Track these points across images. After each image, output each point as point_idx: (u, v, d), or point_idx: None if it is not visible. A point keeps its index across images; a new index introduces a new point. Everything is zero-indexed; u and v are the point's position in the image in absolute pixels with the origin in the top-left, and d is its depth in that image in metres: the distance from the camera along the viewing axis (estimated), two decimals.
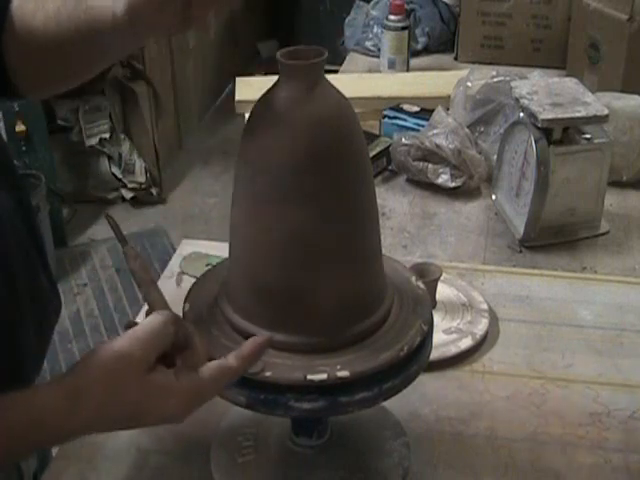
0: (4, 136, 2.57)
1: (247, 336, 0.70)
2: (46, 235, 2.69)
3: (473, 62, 1.94)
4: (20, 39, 0.81)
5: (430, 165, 1.38)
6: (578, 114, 1.19)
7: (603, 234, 1.27)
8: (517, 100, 1.24)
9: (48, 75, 0.85)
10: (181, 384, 0.65)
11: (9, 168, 0.85)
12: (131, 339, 0.65)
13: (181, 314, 0.73)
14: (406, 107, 1.54)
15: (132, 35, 0.79)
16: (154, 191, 3.21)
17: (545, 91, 1.24)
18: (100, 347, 0.65)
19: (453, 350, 0.96)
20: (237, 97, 1.70)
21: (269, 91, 0.68)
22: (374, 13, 2.06)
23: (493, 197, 1.35)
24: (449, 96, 1.54)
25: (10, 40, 0.81)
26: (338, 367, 0.67)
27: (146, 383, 0.64)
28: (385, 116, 1.53)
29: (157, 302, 0.70)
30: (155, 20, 0.74)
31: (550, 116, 1.18)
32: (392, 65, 1.89)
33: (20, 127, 2.66)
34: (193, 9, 0.73)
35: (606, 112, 1.19)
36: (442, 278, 1.01)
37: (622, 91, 1.48)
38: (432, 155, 1.38)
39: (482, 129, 1.45)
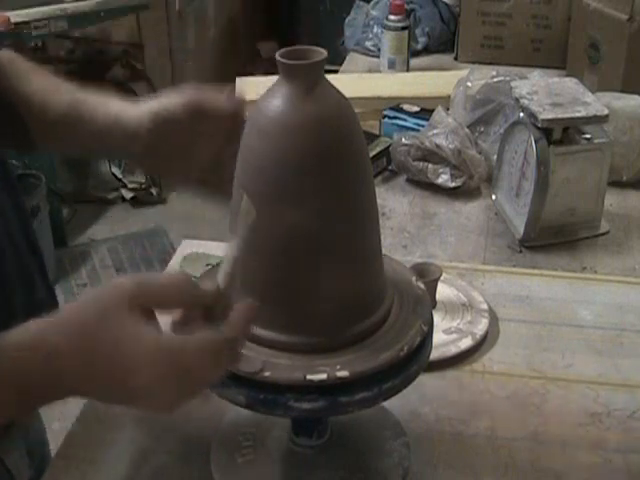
0: None
1: (248, 336, 0.70)
2: (46, 235, 2.69)
3: (473, 62, 1.94)
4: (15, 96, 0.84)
5: (430, 165, 1.38)
6: (578, 114, 1.19)
7: (603, 234, 1.27)
8: (517, 100, 1.24)
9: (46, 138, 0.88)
10: (157, 340, 0.59)
11: (6, 170, 0.85)
12: (128, 279, 0.61)
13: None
14: (406, 107, 1.54)
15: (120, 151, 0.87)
16: (154, 191, 3.22)
17: (545, 91, 1.24)
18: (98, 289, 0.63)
19: (453, 350, 0.96)
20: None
21: (269, 91, 0.68)
22: (374, 13, 2.06)
23: (493, 197, 1.35)
24: (449, 96, 1.54)
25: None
26: (338, 367, 0.67)
27: (125, 318, 0.59)
28: (385, 116, 1.53)
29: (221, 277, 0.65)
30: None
31: (550, 116, 1.18)
32: (392, 65, 1.89)
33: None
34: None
35: (606, 112, 1.19)
36: (442, 278, 1.01)
37: (622, 91, 1.48)
38: (432, 155, 1.38)
39: (482, 129, 1.45)
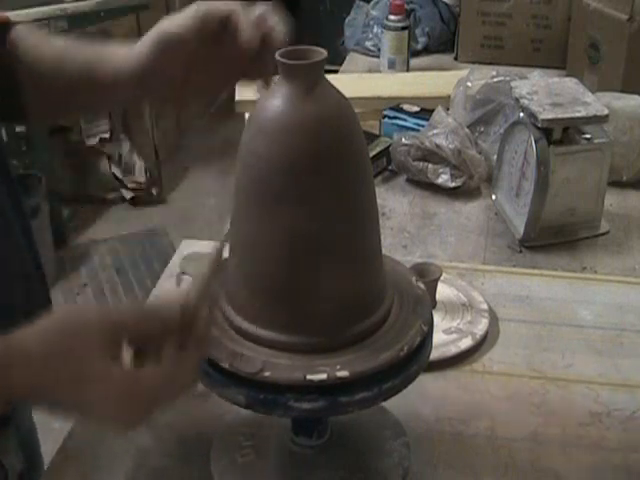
0: (4, 136, 2.57)
1: (248, 336, 0.70)
2: (46, 235, 2.69)
3: (473, 62, 1.94)
4: (27, 68, 0.83)
5: (430, 165, 1.38)
6: (578, 114, 1.19)
7: (603, 234, 1.27)
8: (517, 100, 1.24)
9: (53, 105, 0.87)
10: (122, 380, 0.61)
11: (6, 170, 0.85)
12: (94, 314, 0.63)
13: None
14: (406, 107, 1.54)
15: (132, 96, 0.82)
16: (154, 191, 3.22)
17: (545, 91, 1.24)
18: (67, 310, 0.66)
19: (453, 350, 0.96)
20: (237, 97, 1.69)
21: (269, 91, 0.68)
22: (374, 13, 2.06)
23: (493, 197, 1.35)
24: (449, 96, 1.54)
25: (19, 66, 0.84)
26: (338, 367, 0.67)
27: (90, 363, 0.61)
28: (385, 116, 1.53)
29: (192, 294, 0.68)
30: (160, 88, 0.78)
31: (550, 116, 1.18)
32: (392, 65, 1.89)
33: (20, 127, 2.66)
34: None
35: (606, 112, 1.19)
36: (442, 278, 1.01)
37: (622, 91, 1.48)
38: (432, 155, 1.38)
39: (482, 129, 1.45)
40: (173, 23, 0.76)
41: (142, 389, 0.62)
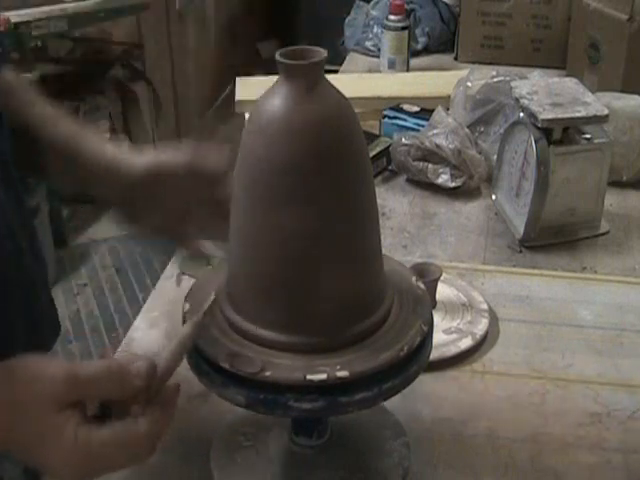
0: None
1: (248, 336, 0.70)
2: (46, 235, 2.69)
3: (473, 62, 1.94)
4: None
5: (430, 165, 1.38)
6: (578, 114, 1.19)
7: (603, 234, 1.27)
8: (517, 100, 1.24)
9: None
10: (75, 438, 0.61)
11: (7, 170, 0.85)
12: (60, 370, 0.62)
13: (181, 314, 0.73)
14: (406, 107, 1.54)
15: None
16: None
17: (545, 91, 1.24)
18: (34, 360, 0.64)
19: (453, 350, 0.96)
20: (237, 97, 1.70)
21: (269, 91, 0.68)
22: (374, 13, 2.06)
23: (493, 197, 1.35)
24: (449, 96, 1.54)
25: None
26: (338, 367, 0.67)
27: (47, 418, 0.60)
28: (385, 116, 1.53)
29: (166, 354, 0.67)
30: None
31: (550, 116, 1.18)
32: (392, 65, 1.89)
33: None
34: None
35: (606, 112, 1.19)
36: (442, 278, 1.01)
37: (622, 91, 1.48)
38: (432, 155, 1.38)
39: (482, 129, 1.45)
40: (166, 154, 0.81)
41: (93, 455, 0.61)
